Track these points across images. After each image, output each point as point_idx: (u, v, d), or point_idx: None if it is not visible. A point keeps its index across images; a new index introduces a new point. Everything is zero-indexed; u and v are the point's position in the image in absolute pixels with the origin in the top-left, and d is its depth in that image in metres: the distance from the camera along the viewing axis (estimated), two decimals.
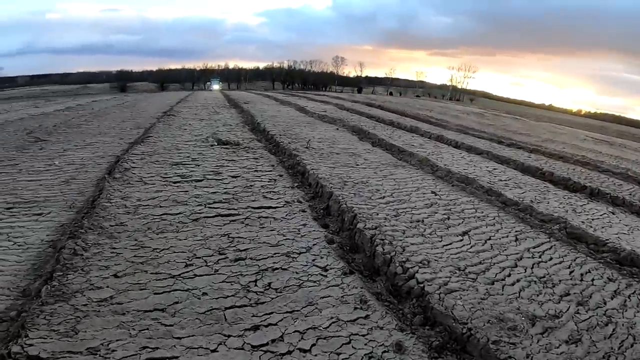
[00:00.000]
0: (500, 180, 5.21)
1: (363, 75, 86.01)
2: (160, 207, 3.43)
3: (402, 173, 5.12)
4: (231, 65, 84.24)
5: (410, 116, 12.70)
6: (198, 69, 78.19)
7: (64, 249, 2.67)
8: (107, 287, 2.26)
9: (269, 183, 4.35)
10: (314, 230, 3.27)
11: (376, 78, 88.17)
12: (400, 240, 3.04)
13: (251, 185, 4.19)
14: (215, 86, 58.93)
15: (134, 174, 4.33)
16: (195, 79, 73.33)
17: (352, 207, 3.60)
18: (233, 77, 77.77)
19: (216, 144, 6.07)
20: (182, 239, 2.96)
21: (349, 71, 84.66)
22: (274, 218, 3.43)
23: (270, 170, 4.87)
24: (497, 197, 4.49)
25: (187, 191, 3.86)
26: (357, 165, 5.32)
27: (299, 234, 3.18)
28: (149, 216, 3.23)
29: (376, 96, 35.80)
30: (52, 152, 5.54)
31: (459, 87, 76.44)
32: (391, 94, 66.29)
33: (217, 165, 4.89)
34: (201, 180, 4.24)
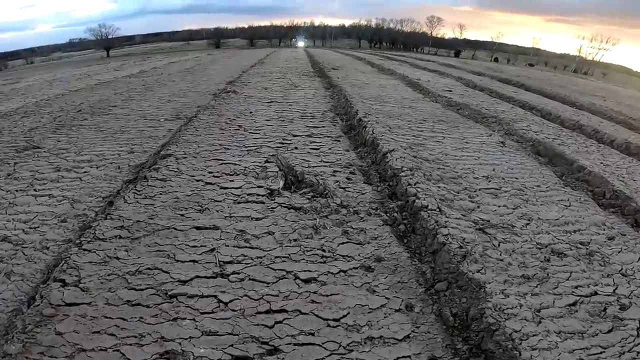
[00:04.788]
0: None
1: (461, 38, 75.83)
2: None
3: None
4: (317, 23, 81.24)
5: (588, 110, 7.89)
6: (285, 25, 77.15)
7: None
8: None
9: None
10: None
11: (477, 41, 76.79)
12: None
13: None
14: (301, 43, 59.04)
15: None
16: (282, 35, 72.88)
17: None
18: (318, 34, 75.73)
19: (281, 185, 2.96)
20: None
21: (444, 33, 75.13)
22: None
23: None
24: None
25: None
26: None
27: None
28: None
29: (494, 64, 29.03)
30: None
31: (588, 58, 62.31)
32: (496, 60, 56.30)
33: (273, 325, 1.80)
34: None
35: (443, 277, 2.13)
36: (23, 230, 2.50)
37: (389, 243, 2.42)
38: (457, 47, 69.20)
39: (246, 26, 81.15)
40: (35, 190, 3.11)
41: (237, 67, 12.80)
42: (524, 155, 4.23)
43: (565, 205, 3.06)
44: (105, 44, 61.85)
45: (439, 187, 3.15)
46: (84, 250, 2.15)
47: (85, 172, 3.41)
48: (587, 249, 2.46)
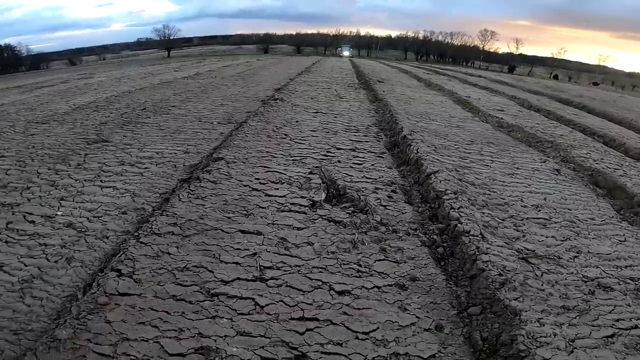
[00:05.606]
0: None
1: (517, 53, 72.20)
2: None
3: None
4: (362, 33, 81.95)
5: None
6: (331, 34, 78.67)
7: None
8: None
9: None
10: None
11: (534, 57, 72.47)
12: None
13: None
14: (346, 52, 59.04)
15: None
16: (328, 43, 74.21)
17: None
18: (363, 44, 76.12)
19: (323, 197, 3.04)
20: None
21: (498, 47, 72.16)
22: None
23: None
24: None
25: None
26: None
27: None
28: None
29: (553, 82, 27.30)
30: (57, 196, 3.47)
31: None
32: (556, 77, 52.78)
33: (304, 332, 1.87)
34: None
35: (478, 302, 2.11)
36: (87, 218, 2.79)
37: (425, 264, 2.40)
38: (512, 62, 66.02)
39: (294, 33, 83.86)
40: (101, 181, 3.45)
41: (284, 74, 13.23)
42: (580, 186, 3.95)
43: (619, 240, 2.86)
44: (167, 45, 66.91)
45: (484, 213, 3.06)
46: (141, 243, 2.36)
47: (146, 168, 3.73)
48: (636, 284, 2.32)
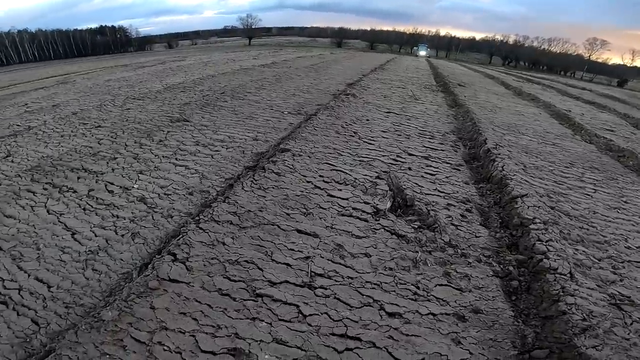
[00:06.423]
0: None
1: (631, 65, 62.36)
2: None
3: None
4: (442, 33, 77.13)
5: None
6: (407, 32, 75.51)
7: None
8: None
9: None
10: None
11: None
12: None
13: None
14: (422, 52, 55.95)
15: None
16: (404, 42, 71.51)
17: None
18: (442, 45, 71.50)
19: (388, 206, 2.79)
20: None
21: (608, 57, 62.75)
22: None
23: None
24: None
25: None
26: None
27: None
28: None
29: None
30: (143, 167, 3.71)
31: None
32: None
33: (343, 351, 1.70)
34: None
35: (546, 345, 1.80)
36: (158, 195, 2.93)
37: (493, 297, 2.08)
38: (624, 75, 56.75)
39: (368, 29, 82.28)
40: (176, 159, 3.65)
41: (357, 70, 12.97)
42: None
43: None
44: (249, 33, 71.14)
45: (577, 249, 2.58)
46: (200, 228, 2.38)
47: (216, 150, 3.85)
48: None
